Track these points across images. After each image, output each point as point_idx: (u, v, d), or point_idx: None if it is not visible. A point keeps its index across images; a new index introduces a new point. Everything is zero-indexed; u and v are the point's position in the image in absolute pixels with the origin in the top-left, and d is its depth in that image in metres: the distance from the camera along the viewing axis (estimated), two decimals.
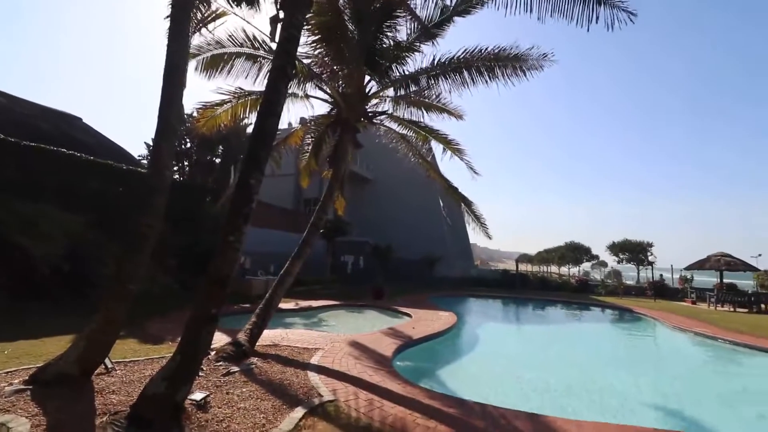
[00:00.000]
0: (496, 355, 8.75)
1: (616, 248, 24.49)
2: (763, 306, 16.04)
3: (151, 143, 13.11)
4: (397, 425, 3.77)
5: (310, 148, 9.22)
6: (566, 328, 13.37)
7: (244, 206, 4.12)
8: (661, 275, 23.77)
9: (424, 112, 8.31)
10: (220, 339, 6.27)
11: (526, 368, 7.60)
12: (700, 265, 18.61)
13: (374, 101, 8.21)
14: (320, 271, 18.81)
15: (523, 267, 34.44)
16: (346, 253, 22.51)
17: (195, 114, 7.98)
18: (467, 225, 9.30)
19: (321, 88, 7.79)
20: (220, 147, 15.37)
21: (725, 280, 18.54)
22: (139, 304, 7.71)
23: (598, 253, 30.02)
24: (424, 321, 9.76)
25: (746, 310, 15.82)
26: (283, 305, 10.98)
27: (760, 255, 20.11)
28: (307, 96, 7.93)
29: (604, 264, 33.65)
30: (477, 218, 8.70)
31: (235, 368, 5.13)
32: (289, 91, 7.67)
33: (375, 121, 8.37)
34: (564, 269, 32.06)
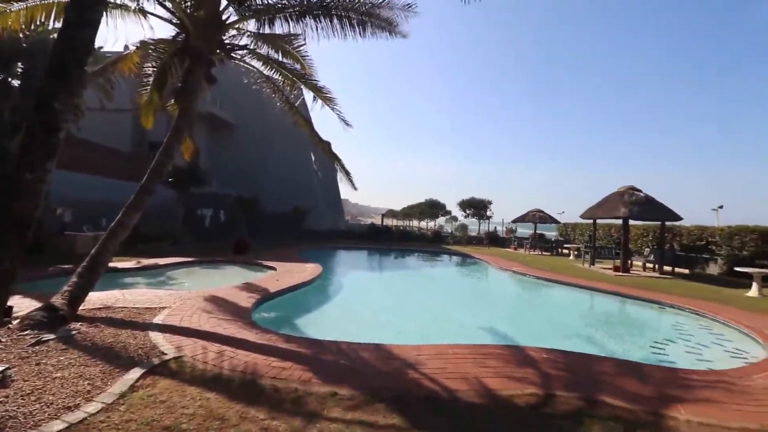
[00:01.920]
0: (358, 299, 9.37)
1: (464, 205, 28.25)
2: (560, 250, 20.93)
3: None
4: (249, 370, 3.73)
5: (152, 79, 7.70)
6: (419, 272, 15.09)
7: (47, 135, 3.26)
8: (495, 227, 28.77)
9: (281, 55, 7.69)
10: (29, 305, 5.12)
11: (384, 308, 8.42)
12: (521, 219, 22.96)
13: (233, 32, 7.24)
14: (172, 225, 16.74)
15: (390, 221, 37.07)
16: (205, 206, 20.42)
17: None
18: (338, 180, 9.34)
19: (163, 5, 6.44)
20: (20, 64, 11.41)
21: (538, 231, 23.41)
22: None
23: (451, 209, 34.28)
24: (289, 273, 9.71)
25: (549, 254, 20.42)
26: (120, 264, 9.54)
27: (563, 212, 25.79)
28: (144, 12, 6.47)
29: (455, 218, 38.66)
30: (344, 169, 8.78)
31: (49, 336, 4.27)
32: (118, 1, 6.17)
33: (234, 55, 7.43)
34: (423, 223, 35.74)
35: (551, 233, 25.81)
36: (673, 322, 7.46)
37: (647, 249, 16.00)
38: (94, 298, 5.86)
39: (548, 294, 10.85)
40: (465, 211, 28.36)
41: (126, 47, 9.24)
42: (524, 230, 27.55)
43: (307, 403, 3.21)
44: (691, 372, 4.47)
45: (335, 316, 7.60)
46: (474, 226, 30.21)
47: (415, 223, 37.04)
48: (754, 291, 9.83)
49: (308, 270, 10.29)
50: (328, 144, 9.53)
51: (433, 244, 23.14)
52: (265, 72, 8.20)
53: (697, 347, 6.00)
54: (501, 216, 28.88)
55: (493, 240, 24.78)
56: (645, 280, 11.94)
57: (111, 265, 9.48)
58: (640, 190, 14.00)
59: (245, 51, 7.45)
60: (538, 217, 22.22)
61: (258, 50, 7.55)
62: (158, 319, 5.26)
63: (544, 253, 20.51)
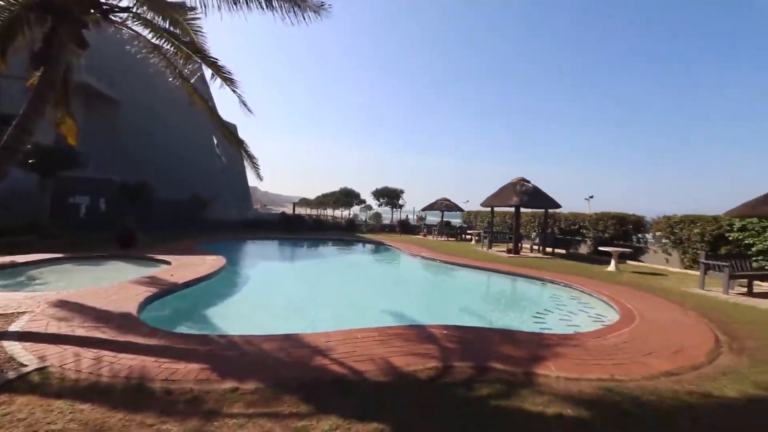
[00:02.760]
0: (267, 291, 8.99)
1: (378, 194, 28.88)
2: (464, 235, 22.66)
3: None
4: (134, 375, 3.35)
5: None
6: (332, 260, 15.07)
7: None
8: (407, 215, 30.03)
9: (168, 24, 6.84)
10: None
11: (295, 298, 8.21)
12: (430, 207, 24.28)
13: None
14: (35, 216, 14.03)
15: (303, 210, 36.28)
16: (80, 193, 17.51)
17: None
18: (246, 165, 8.66)
19: None
20: None
21: (445, 218, 25.01)
22: None
23: (365, 198, 34.73)
24: (187, 267, 8.89)
25: (454, 239, 21.99)
26: None
27: (468, 201, 27.88)
28: None
29: (369, 207, 39.32)
30: (249, 157, 8.23)
31: None
32: None
33: (114, 18, 6.40)
34: (338, 212, 35.64)
35: (456, 220, 27.81)
36: (551, 295, 8.63)
37: (534, 233, 18.18)
38: None
39: (451, 276, 11.71)
40: (379, 200, 29.03)
41: None
42: (433, 218, 29.21)
43: (204, 402, 3.00)
44: (562, 336, 5.23)
45: (241, 310, 7.19)
46: (387, 214, 31.09)
47: (329, 211, 36.75)
48: (612, 266, 11.83)
49: (209, 263, 9.54)
50: (234, 127, 8.85)
51: (346, 233, 23.25)
52: (153, 41, 7.23)
53: (569, 315, 7.04)
54: (412, 205, 30.24)
55: (404, 227, 25.81)
56: (531, 260, 13.57)
57: None
58: (529, 182, 15.75)
59: (128, 15, 6.47)
60: (445, 205, 23.71)
61: (144, 15, 6.62)
62: (16, 327, 4.42)
63: (450, 238, 22.03)
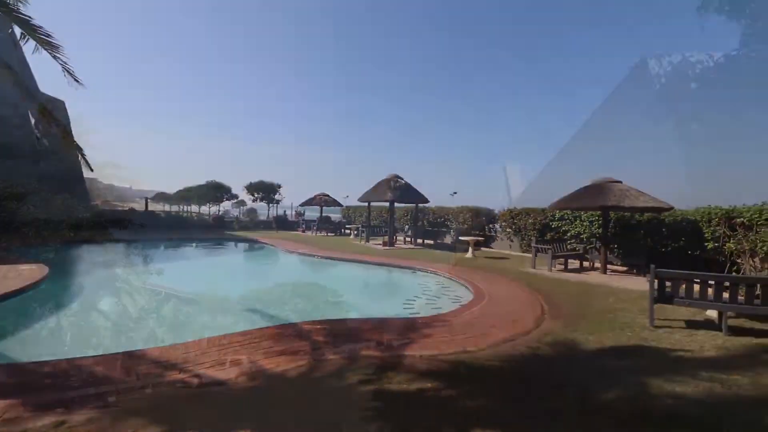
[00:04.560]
0: (109, 304, 7.57)
1: (252, 188, 27.15)
2: (343, 230, 22.98)
3: None
4: None
5: None
6: (197, 263, 13.56)
7: None
8: (285, 211, 29.03)
9: None
10: None
11: (147, 309, 7.10)
12: (309, 203, 23.95)
13: None
14: None
15: (160, 206, 31.96)
16: None
17: None
18: (78, 152, 7.00)
19: None
20: None
21: (325, 214, 24.96)
22: None
23: (238, 193, 32.12)
24: None
25: (334, 234, 22.14)
26: None
27: (347, 196, 28.26)
28: None
29: (243, 203, 36.59)
30: (70, 140, 6.77)
31: None
32: None
33: None
34: (205, 208, 32.25)
35: (336, 215, 28.03)
36: (420, 282, 9.39)
37: (407, 226, 19.56)
38: None
39: (328, 271, 11.76)
40: (253, 195, 27.32)
41: None
42: (312, 213, 28.85)
43: None
44: (426, 318, 5.72)
45: (70, 329, 5.86)
46: (264, 210, 29.50)
47: (194, 208, 32.99)
48: (470, 253, 13.49)
49: (24, 275, 7.56)
50: (62, 103, 7.13)
51: (214, 231, 21.30)
52: None
53: (434, 299, 7.75)
54: (291, 200, 29.31)
55: (281, 223, 24.94)
56: (404, 251, 14.57)
57: None
58: (402, 178, 16.83)
59: None
60: (323, 200, 23.66)
61: None
62: None
63: (329, 234, 22.09)
